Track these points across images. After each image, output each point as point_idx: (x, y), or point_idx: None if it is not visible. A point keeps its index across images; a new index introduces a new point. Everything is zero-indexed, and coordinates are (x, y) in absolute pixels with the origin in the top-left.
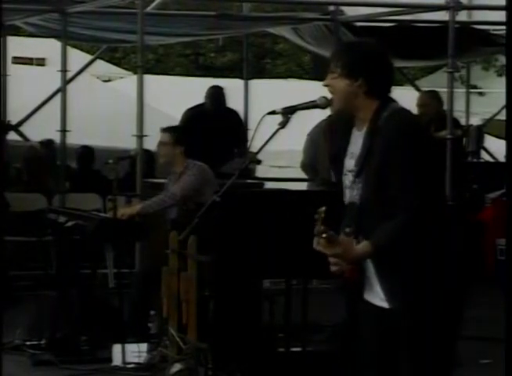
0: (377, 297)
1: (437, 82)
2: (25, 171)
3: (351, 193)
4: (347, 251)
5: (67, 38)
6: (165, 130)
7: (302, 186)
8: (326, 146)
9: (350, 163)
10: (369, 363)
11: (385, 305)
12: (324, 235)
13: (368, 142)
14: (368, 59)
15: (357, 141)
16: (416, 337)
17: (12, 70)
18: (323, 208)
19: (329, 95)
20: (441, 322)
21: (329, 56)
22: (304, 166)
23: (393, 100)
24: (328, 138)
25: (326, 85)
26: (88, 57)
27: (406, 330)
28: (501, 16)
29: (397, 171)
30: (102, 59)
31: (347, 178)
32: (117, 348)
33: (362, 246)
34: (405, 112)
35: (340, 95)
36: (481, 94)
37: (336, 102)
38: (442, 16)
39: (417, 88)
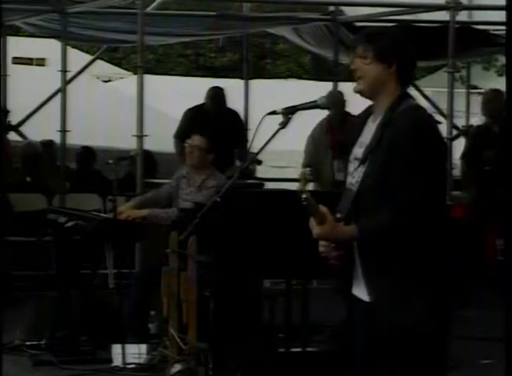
0: (363, 291)
1: (437, 82)
2: (23, 168)
3: (351, 180)
4: (333, 229)
5: (67, 38)
6: (201, 134)
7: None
8: (327, 141)
9: (358, 151)
10: (359, 358)
11: (368, 298)
12: (304, 196)
13: (379, 134)
14: (402, 44)
15: (369, 131)
16: (397, 334)
17: (12, 70)
18: (308, 169)
19: (325, 93)
20: (430, 322)
21: (354, 41)
22: (305, 167)
23: (410, 96)
24: (329, 132)
25: (354, 69)
26: (88, 57)
27: (386, 326)
28: (501, 16)
29: (400, 166)
30: (102, 59)
31: (352, 166)
32: (116, 349)
33: (349, 228)
34: (420, 110)
35: (371, 80)
36: (481, 94)
37: (364, 86)
38: (442, 16)
39: (417, 88)
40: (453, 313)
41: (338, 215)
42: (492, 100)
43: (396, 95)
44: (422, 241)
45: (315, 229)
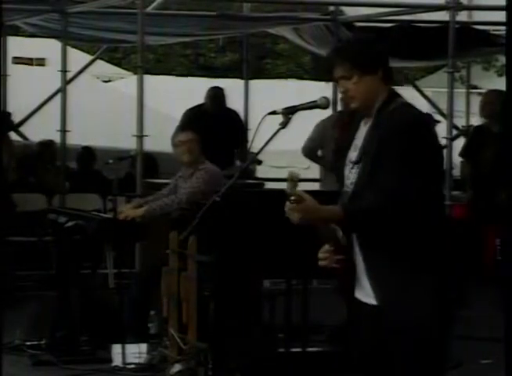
0: (366, 294)
1: (437, 82)
2: (17, 168)
3: (347, 182)
4: (315, 207)
5: (67, 38)
6: (185, 128)
7: (303, 186)
8: (334, 133)
9: (352, 154)
10: (364, 362)
11: (373, 301)
12: (293, 198)
13: (370, 135)
14: (379, 48)
15: (362, 134)
16: (403, 334)
17: (12, 70)
18: (298, 174)
19: (329, 95)
20: (430, 322)
21: (331, 58)
22: (306, 149)
23: (399, 95)
24: (337, 127)
25: (343, 91)
26: (88, 57)
27: (392, 328)
28: (501, 16)
29: (388, 161)
30: (102, 59)
31: (348, 169)
32: (117, 349)
33: (333, 206)
34: (408, 107)
35: (365, 96)
36: (481, 94)
37: (360, 103)
38: (442, 16)
39: (417, 88)
40: (454, 313)
41: None
42: (490, 101)
43: (385, 96)
44: (416, 237)
45: (296, 207)
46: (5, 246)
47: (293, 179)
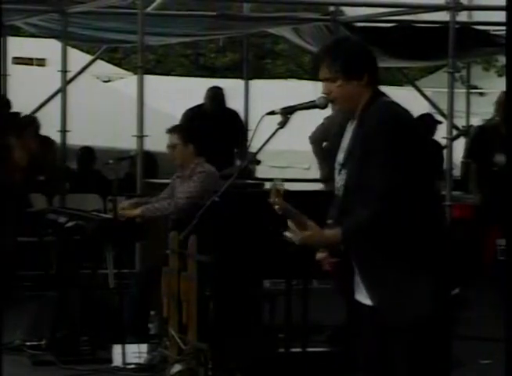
0: (364, 295)
1: (437, 82)
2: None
3: (337, 185)
4: (316, 233)
5: (67, 38)
6: (172, 131)
7: (302, 186)
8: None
9: (340, 157)
10: (366, 362)
11: (369, 302)
12: (277, 207)
13: (354, 136)
14: (366, 53)
15: (348, 135)
16: (401, 334)
17: (12, 70)
18: (282, 186)
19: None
20: (428, 322)
21: (318, 59)
22: (313, 135)
23: (383, 94)
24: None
25: (326, 93)
26: (88, 57)
27: (391, 328)
28: (501, 16)
29: (372, 159)
30: (102, 59)
31: (336, 172)
32: (117, 349)
33: (332, 231)
34: (390, 104)
35: (347, 99)
36: (481, 94)
37: (342, 106)
38: (442, 16)
39: (417, 88)
40: (455, 313)
41: (329, 222)
42: (503, 102)
43: (368, 96)
44: (407, 235)
45: (298, 235)
46: (13, 245)
47: (276, 190)
